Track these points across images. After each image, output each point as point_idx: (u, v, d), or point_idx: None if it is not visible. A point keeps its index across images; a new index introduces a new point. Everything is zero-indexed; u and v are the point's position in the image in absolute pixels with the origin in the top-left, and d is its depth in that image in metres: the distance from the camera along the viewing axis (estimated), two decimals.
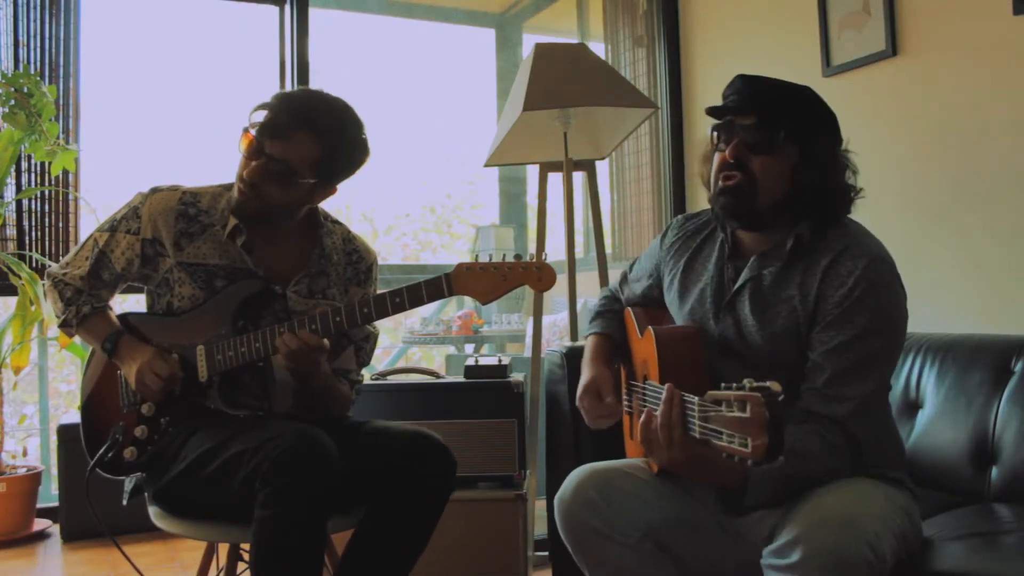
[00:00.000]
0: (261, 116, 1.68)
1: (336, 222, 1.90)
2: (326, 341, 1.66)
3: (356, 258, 1.88)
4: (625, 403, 1.76)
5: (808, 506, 1.36)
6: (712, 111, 1.59)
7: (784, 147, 1.52)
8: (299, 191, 1.72)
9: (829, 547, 1.28)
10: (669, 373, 1.51)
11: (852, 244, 1.51)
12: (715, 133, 1.59)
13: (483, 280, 1.60)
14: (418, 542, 1.70)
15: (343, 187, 1.84)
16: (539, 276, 1.60)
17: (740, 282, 1.59)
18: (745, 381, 1.19)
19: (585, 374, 1.73)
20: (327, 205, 1.90)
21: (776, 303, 1.54)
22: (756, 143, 1.52)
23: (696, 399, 1.29)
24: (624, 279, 1.92)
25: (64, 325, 1.80)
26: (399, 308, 1.63)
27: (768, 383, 1.17)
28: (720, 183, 1.55)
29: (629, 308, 1.82)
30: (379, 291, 1.91)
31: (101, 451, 1.72)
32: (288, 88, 1.73)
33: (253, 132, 1.68)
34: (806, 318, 1.51)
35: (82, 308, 1.78)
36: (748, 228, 1.60)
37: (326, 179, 1.74)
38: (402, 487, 1.67)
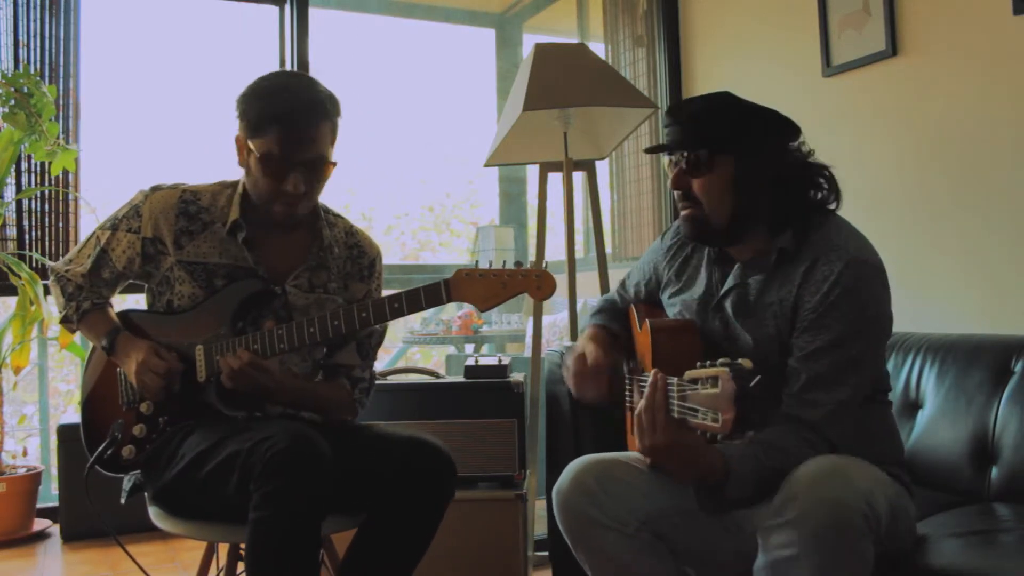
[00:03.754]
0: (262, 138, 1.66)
1: (338, 215, 1.90)
2: (266, 363, 1.66)
3: (357, 252, 1.88)
4: (627, 398, 1.77)
5: (800, 469, 1.36)
6: (648, 151, 1.68)
7: (714, 162, 1.53)
8: (329, 165, 1.74)
9: (824, 499, 1.28)
10: (662, 363, 1.52)
11: (830, 248, 1.50)
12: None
13: (482, 287, 1.60)
14: (418, 547, 1.70)
15: (341, 187, 1.84)
16: (538, 284, 1.61)
17: (725, 288, 1.61)
18: (719, 360, 1.21)
19: (576, 351, 1.75)
20: (328, 201, 1.90)
21: (761, 310, 1.55)
22: (690, 168, 1.55)
23: (676, 380, 1.32)
24: (622, 285, 1.94)
25: (65, 320, 1.81)
26: (398, 313, 1.64)
27: (740, 360, 1.21)
28: (681, 211, 1.61)
29: (633, 304, 1.83)
30: (383, 288, 1.92)
31: (100, 448, 1.72)
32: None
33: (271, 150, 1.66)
34: (786, 324, 1.52)
35: (82, 304, 1.79)
36: (716, 246, 1.64)
37: (333, 143, 1.75)
38: (403, 493, 1.67)
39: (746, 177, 1.53)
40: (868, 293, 1.48)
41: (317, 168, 1.69)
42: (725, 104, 1.57)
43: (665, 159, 1.62)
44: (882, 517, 1.32)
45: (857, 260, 1.48)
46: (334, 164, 1.73)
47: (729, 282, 1.60)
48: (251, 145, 1.68)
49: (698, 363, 1.26)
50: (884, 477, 1.42)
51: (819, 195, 1.57)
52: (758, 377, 1.19)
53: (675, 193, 1.60)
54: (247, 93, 1.70)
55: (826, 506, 1.28)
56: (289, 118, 1.65)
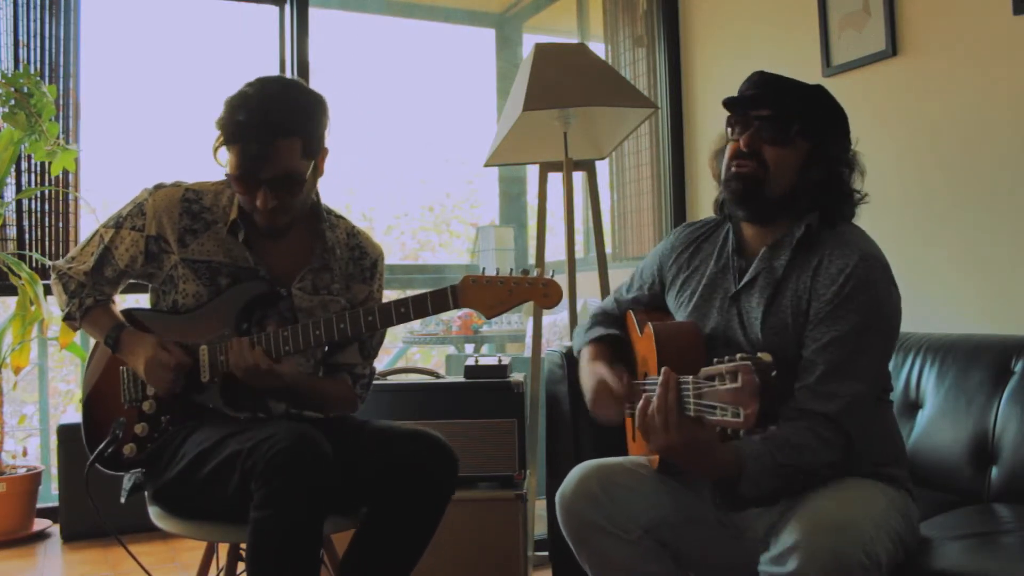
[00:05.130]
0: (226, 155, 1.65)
1: (340, 216, 1.90)
2: (281, 367, 1.66)
3: (359, 254, 1.88)
4: (627, 406, 1.76)
5: (804, 511, 1.36)
6: (729, 101, 1.61)
7: (796, 140, 1.56)
8: (306, 182, 1.71)
9: (825, 553, 1.28)
10: (669, 365, 1.52)
11: (843, 243, 1.53)
12: (730, 124, 1.61)
13: (489, 294, 1.61)
14: (420, 541, 1.70)
15: (341, 187, 1.83)
16: (545, 292, 1.62)
17: (751, 274, 1.60)
18: (737, 355, 1.21)
19: (589, 380, 1.71)
20: (328, 201, 1.90)
21: (782, 296, 1.55)
22: (770, 134, 1.55)
23: (691, 378, 1.31)
24: (620, 291, 1.92)
25: (68, 318, 1.81)
26: (404, 318, 1.65)
27: (759, 354, 1.20)
28: (733, 170, 1.58)
29: (630, 311, 1.83)
30: (384, 289, 1.92)
31: (101, 446, 1.72)
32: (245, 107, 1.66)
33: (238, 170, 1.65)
34: (801, 316, 1.52)
35: (85, 301, 1.79)
36: (753, 218, 1.62)
37: (314, 152, 1.71)
38: (404, 486, 1.67)
39: (814, 165, 1.57)
40: (881, 287, 1.50)
41: (285, 184, 1.66)
42: (823, 95, 1.61)
43: (726, 133, 1.62)
44: (883, 563, 1.33)
45: (870, 255, 1.51)
46: (326, 151, 1.72)
47: (756, 266, 1.60)
48: (227, 155, 1.67)
49: (715, 360, 1.25)
50: (887, 505, 1.42)
51: (855, 198, 1.62)
52: (775, 372, 1.19)
53: (733, 163, 1.58)
54: (224, 102, 1.67)
55: (826, 560, 1.28)
56: (244, 138, 1.62)
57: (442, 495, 1.70)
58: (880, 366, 1.53)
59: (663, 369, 1.37)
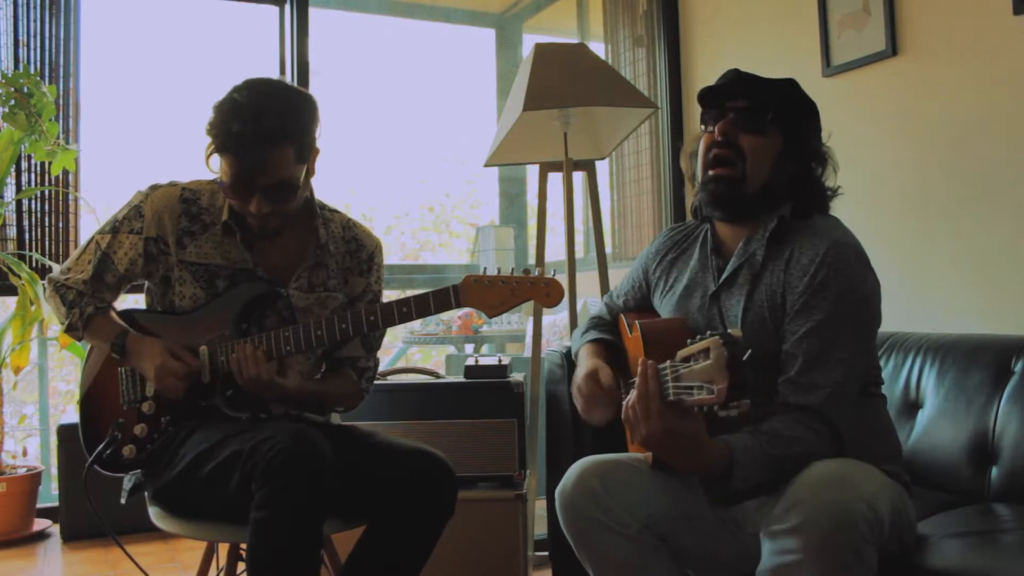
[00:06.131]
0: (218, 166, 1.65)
1: (334, 211, 1.90)
2: (286, 380, 1.67)
3: (355, 246, 1.88)
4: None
5: (804, 474, 1.36)
6: (704, 92, 1.63)
7: (770, 131, 1.58)
8: (300, 182, 1.71)
9: (828, 505, 1.28)
10: (654, 357, 1.51)
11: (813, 233, 1.54)
12: (705, 118, 1.64)
13: (491, 293, 1.62)
14: (420, 555, 1.71)
15: (342, 187, 1.83)
16: (547, 291, 1.63)
17: (729, 271, 1.61)
18: (707, 331, 1.23)
19: (582, 367, 1.72)
20: (328, 202, 1.90)
21: (757, 290, 1.56)
22: (745, 122, 1.57)
23: (668, 362, 1.31)
24: (611, 296, 1.94)
25: (70, 329, 1.78)
26: (406, 318, 1.65)
27: (729, 330, 1.21)
28: (711, 171, 1.60)
29: (621, 314, 1.84)
30: (383, 280, 1.92)
31: (99, 448, 1.72)
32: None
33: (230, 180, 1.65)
34: (777, 309, 1.53)
35: (86, 309, 1.78)
36: (731, 218, 1.63)
37: (307, 156, 1.70)
38: (406, 502, 1.67)
39: (788, 157, 1.59)
40: (854, 273, 1.50)
41: (280, 191, 1.66)
42: (795, 87, 1.64)
43: (700, 130, 1.64)
44: (885, 521, 1.32)
45: (839, 242, 1.51)
46: (317, 151, 1.72)
47: (733, 262, 1.61)
48: (219, 162, 1.67)
49: (688, 340, 1.25)
50: (887, 480, 1.42)
51: (828, 192, 1.64)
52: (750, 351, 1.18)
53: (710, 153, 1.60)
54: (213, 108, 1.65)
55: (830, 512, 1.27)
56: (239, 148, 1.60)
57: (443, 513, 1.70)
58: (862, 354, 1.52)
59: (640, 359, 1.37)
